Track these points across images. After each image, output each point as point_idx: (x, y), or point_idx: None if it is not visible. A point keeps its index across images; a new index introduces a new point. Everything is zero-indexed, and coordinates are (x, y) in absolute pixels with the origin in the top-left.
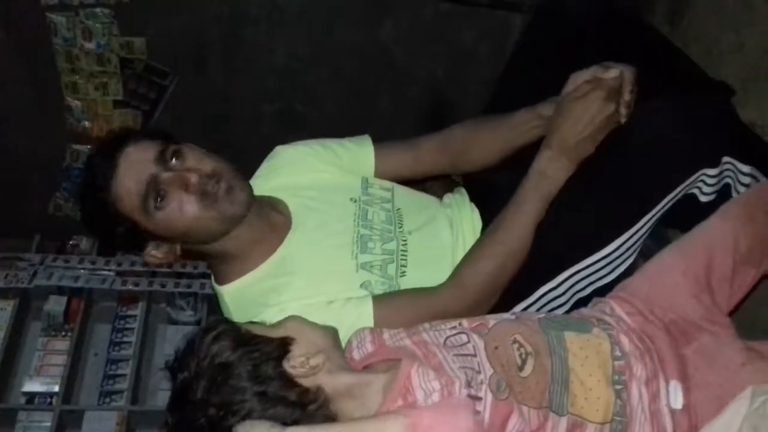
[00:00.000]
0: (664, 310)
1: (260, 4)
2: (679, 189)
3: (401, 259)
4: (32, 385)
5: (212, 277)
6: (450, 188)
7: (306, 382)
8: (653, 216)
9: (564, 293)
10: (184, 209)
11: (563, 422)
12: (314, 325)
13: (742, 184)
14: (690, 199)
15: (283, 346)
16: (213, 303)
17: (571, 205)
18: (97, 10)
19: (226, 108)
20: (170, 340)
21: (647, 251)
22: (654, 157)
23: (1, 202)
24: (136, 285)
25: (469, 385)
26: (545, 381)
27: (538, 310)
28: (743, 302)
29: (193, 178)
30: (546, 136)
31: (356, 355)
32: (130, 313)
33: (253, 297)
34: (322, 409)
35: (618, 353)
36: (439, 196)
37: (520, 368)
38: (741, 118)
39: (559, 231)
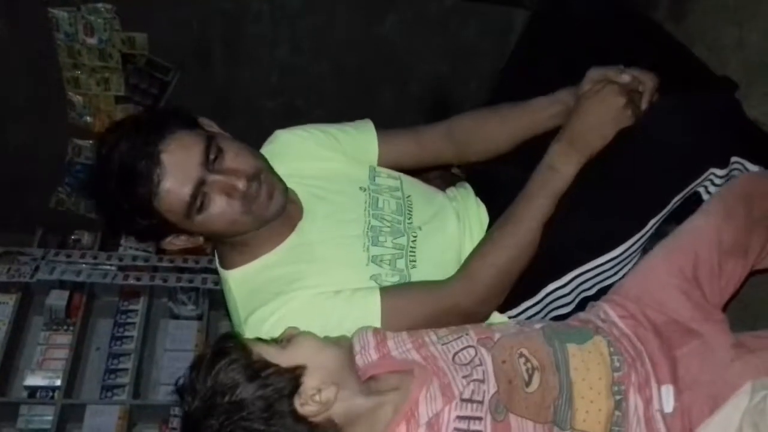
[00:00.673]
0: (656, 312)
1: None
2: (687, 189)
3: (410, 254)
4: (34, 379)
5: (217, 260)
6: (452, 182)
7: (317, 419)
8: (662, 216)
9: (570, 292)
10: (225, 213)
11: None
12: (327, 344)
13: None
14: (693, 196)
15: (295, 378)
16: (215, 298)
17: (580, 204)
18: (99, 5)
19: (227, 103)
20: (172, 334)
21: (648, 248)
22: (663, 158)
23: (3, 196)
24: (138, 280)
25: (471, 400)
26: (551, 396)
27: (542, 309)
28: (737, 294)
29: (240, 185)
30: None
31: (359, 361)
32: (131, 307)
33: (261, 284)
34: None
35: (617, 363)
36: (442, 189)
37: (527, 383)
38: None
39: (569, 230)
